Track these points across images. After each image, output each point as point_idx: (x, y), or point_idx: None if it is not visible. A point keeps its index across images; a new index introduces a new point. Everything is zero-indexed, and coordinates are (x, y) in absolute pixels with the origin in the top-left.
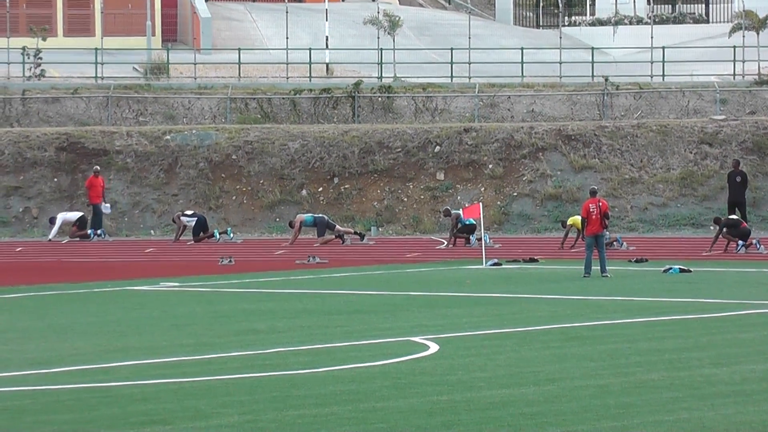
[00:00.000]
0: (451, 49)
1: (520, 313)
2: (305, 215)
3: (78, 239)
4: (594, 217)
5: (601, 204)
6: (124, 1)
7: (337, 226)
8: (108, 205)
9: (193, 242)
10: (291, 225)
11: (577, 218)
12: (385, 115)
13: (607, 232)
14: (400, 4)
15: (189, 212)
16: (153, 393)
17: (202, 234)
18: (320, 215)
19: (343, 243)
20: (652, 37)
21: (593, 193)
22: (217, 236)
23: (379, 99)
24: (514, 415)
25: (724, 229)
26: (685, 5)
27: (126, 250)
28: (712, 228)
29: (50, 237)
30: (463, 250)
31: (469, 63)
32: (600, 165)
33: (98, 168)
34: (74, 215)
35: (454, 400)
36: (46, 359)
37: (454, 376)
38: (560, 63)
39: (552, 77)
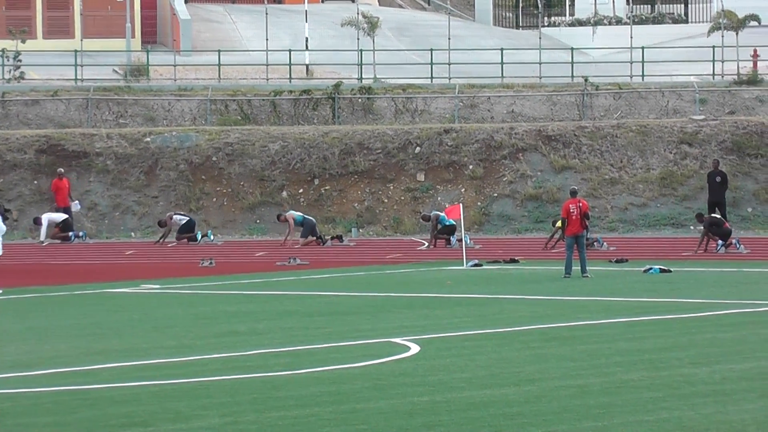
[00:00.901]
0: (431, 49)
1: (500, 313)
2: (295, 213)
3: (59, 241)
4: (574, 217)
5: (581, 204)
6: (103, 3)
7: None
8: (77, 202)
9: (175, 243)
10: (279, 218)
11: None
12: (365, 117)
13: (592, 235)
14: (379, 5)
15: (182, 212)
16: (133, 395)
17: (185, 235)
18: (310, 218)
19: (323, 245)
20: (631, 38)
21: (573, 193)
22: (199, 238)
23: (359, 100)
24: (495, 416)
25: (711, 225)
26: (664, 5)
27: (106, 253)
28: (692, 228)
29: (42, 239)
30: (444, 251)
31: (449, 64)
32: (580, 165)
33: (62, 170)
34: (60, 216)
35: (435, 400)
36: (26, 362)
37: (434, 376)
38: (540, 63)
39: (532, 78)
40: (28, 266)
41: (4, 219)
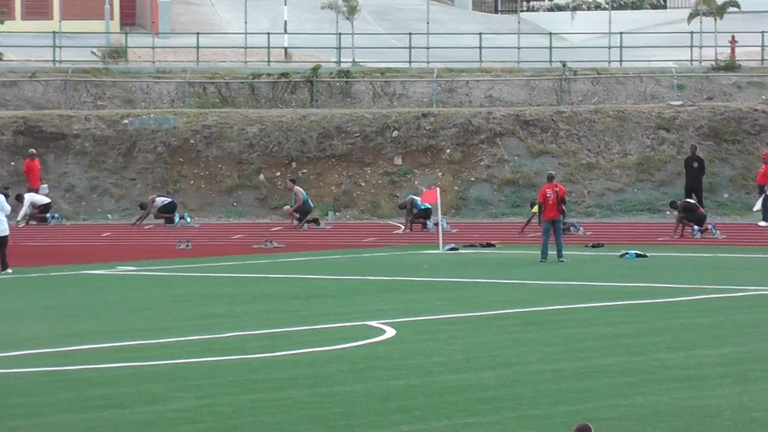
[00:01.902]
0: (410, 34)
1: (476, 297)
2: (303, 192)
3: (36, 222)
4: (551, 202)
5: (558, 189)
6: None
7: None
8: (45, 186)
9: (152, 226)
10: (288, 184)
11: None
12: (344, 100)
13: (569, 220)
14: None
15: (164, 194)
16: (110, 377)
17: (164, 215)
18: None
19: (298, 228)
20: (610, 23)
21: (550, 178)
22: (176, 221)
23: (338, 84)
24: (471, 400)
25: (684, 210)
26: None
27: (83, 234)
28: (669, 213)
29: (19, 219)
30: (421, 235)
31: (428, 48)
32: (557, 150)
33: (34, 151)
34: (43, 199)
35: (411, 384)
36: (3, 343)
37: (411, 360)
38: (518, 48)
39: (510, 62)
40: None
41: (7, 197)
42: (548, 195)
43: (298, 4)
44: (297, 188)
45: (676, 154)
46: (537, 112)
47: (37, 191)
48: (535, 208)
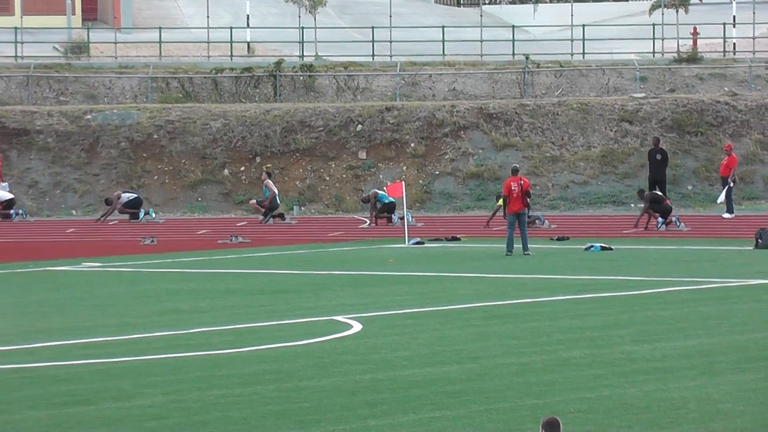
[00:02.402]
0: (372, 27)
1: (442, 291)
2: (274, 188)
3: (0, 218)
4: (515, 195)
5: (522, 182)
6: None
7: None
8: (6, 184)
9: (117, 222)
10: (263, 179)
11: None
12: (307, 94)
13: (533, 213)
14: None
15: (130, 191)
16: (76, 374)
17: (129, 210)
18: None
19: (263, 222)
20: (572, 15)
21: (515, 171)
22: (141, 216)
23: (301, 78)
24: (437, 394)
25: (651, 201)
26: None
27: (47, 230)
28: (633, 206)
29: None
30: (386, 229)
31: (391, 41)
32: (521, 143)
33: None
34: (6, 195)
35: (377, 378)
36: None
37: (377, 354)
38: (481, 41)
39: (473, 56)
40: None
41: None
42: (513, 188)
43: None
44: (269, 182)
45: (640, 146)
46: (500, 105)
47: None
48: (501, 201)
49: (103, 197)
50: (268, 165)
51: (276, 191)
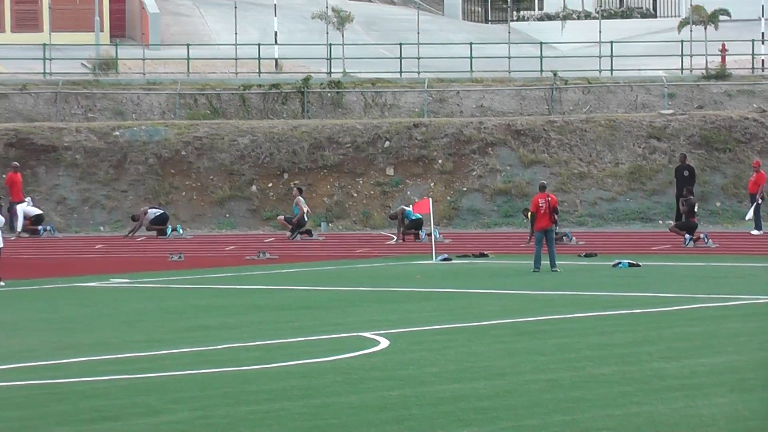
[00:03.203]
0: (400, 44)
1: (470, 307)
2: (304, 205)
3: (28, 235)
4: (543, 211)
5: (550, 198)
6: None
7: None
8: (29, 198)
9: (144, 238)
10: (294, 195)
11: None
12: (335, 111)
13: (561, 230)
14: None
15: (156, 206)
16: (104, 389)
17: (156, 227)
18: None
19: (290, 239)
20: (600, 32)
21: (542, 187)
22: (168, 232)
23: (329, 94)
24: (465, 410)
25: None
26: (633, 0)
27: (75, 247)
28: (661, 222)
29: (19, 230)
30: (413, 246)
31: (418, 58)
32: (549, 160)
33: (17, 164)
34: (34, 210)
35: (405, 395)
36: None
37: (404, 371)
38: (509, 58)
39: (501, 72)
40: None
41: (0, 209)
42: (540, 204)
43: (288, 15)
44: (299, 199)
45: (668, 162)
46: (528, 121)
47: (18, 204)
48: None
49: (130, 213)
50: (296, 182)
51: (306, 210)
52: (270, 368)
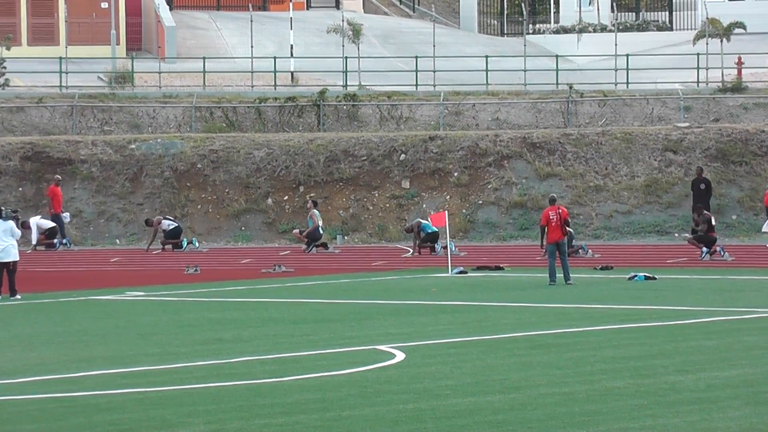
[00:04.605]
0: (416, 57)
1: (485, 320)
2: (318, 218)
3: (44, 248)
4: (554, 224)
5: (561, 211)
6: (88, 9)
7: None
8: (67, 213)
9: (161, 250)
10: (309, 208)
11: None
12: (350, 124)
13: (577, 242)
14: (364, 12)
15: (171, 218)
16: (119, 402)
17: (170, 240)
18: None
19: (306, 252)
20: (616, 45)
21: (552, 200)
22: (184, 245)
23: (344, 107)
24: (480, 423)
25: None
26: (648, 13)
27: (91, 260)
28: (677, 235)
29: (35, 243)
30: (429, 259)
31: (434, 71)
32: (565, 172)
33: (59, 177)
34: (48, 223)
35: (420, 408)
36: (12, 369)
37: (420, 384)
38: (525, 71)
39: (516, 85)
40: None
41: (17, 221)
42: (551, 217)
43: (304, 28)
44: (314, 212)
45: (684, 175)
46: (544, 134)
47: (57, 217)
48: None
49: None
50: (311, 195)
51: (319, 223)
52: (285, 381)
